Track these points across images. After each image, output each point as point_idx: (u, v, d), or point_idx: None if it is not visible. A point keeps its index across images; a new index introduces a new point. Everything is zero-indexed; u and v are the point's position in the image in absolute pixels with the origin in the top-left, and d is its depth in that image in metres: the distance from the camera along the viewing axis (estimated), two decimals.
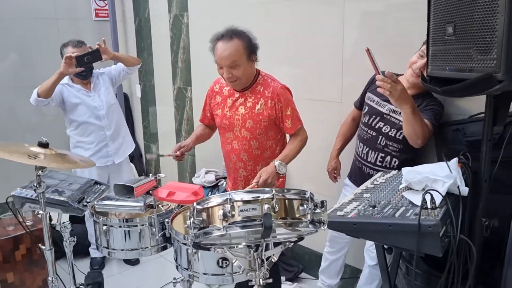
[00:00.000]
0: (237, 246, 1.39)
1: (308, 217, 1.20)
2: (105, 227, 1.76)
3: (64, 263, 2.53)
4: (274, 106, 2.10)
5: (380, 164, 2.16)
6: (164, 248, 1.85)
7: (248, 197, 1.15)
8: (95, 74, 3.04)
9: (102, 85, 3.02)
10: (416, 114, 1.78)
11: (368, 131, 2.18)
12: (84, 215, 3.01)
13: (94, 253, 3.22)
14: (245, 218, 1.14)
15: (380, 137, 2.13)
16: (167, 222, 1.71)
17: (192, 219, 1.22)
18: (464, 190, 1.51)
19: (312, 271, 2.92)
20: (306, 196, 1.23)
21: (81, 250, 3.14)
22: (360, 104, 2.33)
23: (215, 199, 1.19)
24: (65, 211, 2.00)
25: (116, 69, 3.14)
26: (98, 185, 2.27)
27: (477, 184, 1.64)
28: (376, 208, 1.53)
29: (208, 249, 1.34)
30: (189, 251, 1.53)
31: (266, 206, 1.14)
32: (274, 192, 1.16)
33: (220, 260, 1.54)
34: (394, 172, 1.99)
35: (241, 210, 1.14)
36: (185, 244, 1.61)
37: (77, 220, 3.48)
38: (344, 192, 2.39)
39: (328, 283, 2.58)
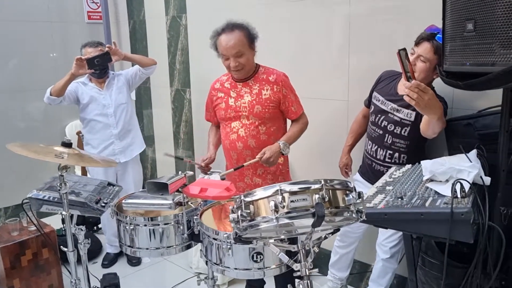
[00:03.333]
0: (278, 239, 1.41)
1: (354, 206, 1.23)
2: (130, 226, 1.75)
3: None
4: (280, 91, 2.21)
5: (389, 160, 2.22)
6: (189, 246, 1.85)
7: (298, 188, 1.18)
8: (112, 75, 3.15)
9: (115, 85, 3.12)
10: (440, 120, 1.78)
11: (376, 129, 2.24)
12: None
13: (109, 247, 3.33)
14: (296, 208, 1.17)
15: (387, 135, 2.19)
16: (196, 218, 1.71)
17: (239, 211, 1.23)
18: (487, 180, 1.58)
19: (321, 268, 2.96)
20: (350, 186, 1.26)
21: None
22: (369, 102, 2.38)
23: (263, 192, 1.21)
24: (83, 212, 1.98)
25: (132, 70, 3.22)
26: (112, 186, 2.26)
27: (493, 174, 1.71)
28: (404, 199, 1.58)
29: (250, 242, 1.35)
30: (223, 246, 1.54)
31: (316, 196, 1.17)
32: (323, 182, 1.19)
33: (255, 255, 1.55)
34: (408, 166, 2.04)
35: (292, 201, 1.17)
36: (215, 239, 1.62)
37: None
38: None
39: (338, 276, 2.63)
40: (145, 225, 1.78)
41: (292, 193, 1.18)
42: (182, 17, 3.61)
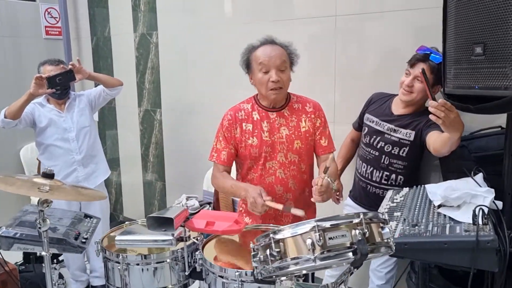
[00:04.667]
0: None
1: (391, 240, 1.14)
2: (123, 266, 1.55)
3: None
4: (316, 121, 1.96)
5: (385, 182, 2.17)
6: (186, 285, 1.67)
7: (336, 223, 1.07)
8: (73, 95, 2.88)
9: (77, 107, 2.85)
10: (459, 139, 1.76)
11: (371, 151, 2.19)
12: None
13: (73, 283, 3.08)
14: (335, 246, 1.06)
15: (383, 156, 2.15)
16: (199, 254, 1.54)
17: (268, 250, 1.11)
18: (500, 204, 1.56)
19: None
20: (384, 218, 1.18)
21: None
22: (359, 125, 2.34)
23: (296, 228, 1.09)
24: (61, 250, 1.76)
25: (96, 91, 2.96)
26: (89, 218, 2.04)
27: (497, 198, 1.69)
28: (420, 226, 1.52)
29: (273, 283, 1.23)
30: (235, 285, 1.39)
31: (357, 231, 1.07)
32: (362, 216, 1.09)
33: None
34: (406, 189, 2.00)
35: (330, 238, 1.06)
36: (222, 277, 1.47)
37: (28, 260, 3.20)
38: (346, 212, 2.37)
39: None
40: (137, 264, 1.59)
41: (330, 229, 1.07)
42: (153, 34, 3.45)
